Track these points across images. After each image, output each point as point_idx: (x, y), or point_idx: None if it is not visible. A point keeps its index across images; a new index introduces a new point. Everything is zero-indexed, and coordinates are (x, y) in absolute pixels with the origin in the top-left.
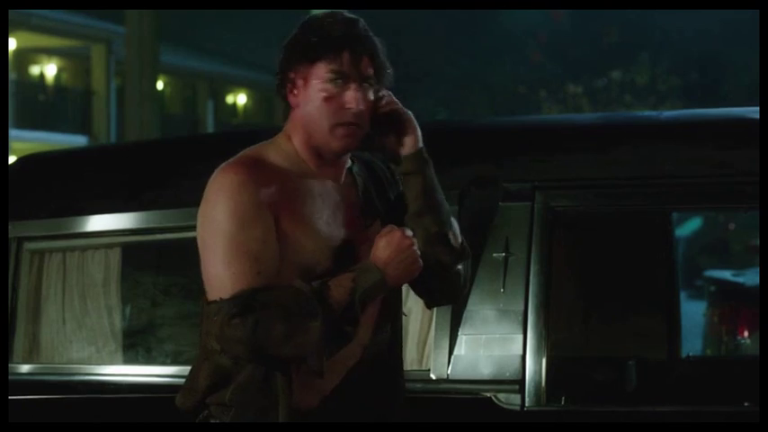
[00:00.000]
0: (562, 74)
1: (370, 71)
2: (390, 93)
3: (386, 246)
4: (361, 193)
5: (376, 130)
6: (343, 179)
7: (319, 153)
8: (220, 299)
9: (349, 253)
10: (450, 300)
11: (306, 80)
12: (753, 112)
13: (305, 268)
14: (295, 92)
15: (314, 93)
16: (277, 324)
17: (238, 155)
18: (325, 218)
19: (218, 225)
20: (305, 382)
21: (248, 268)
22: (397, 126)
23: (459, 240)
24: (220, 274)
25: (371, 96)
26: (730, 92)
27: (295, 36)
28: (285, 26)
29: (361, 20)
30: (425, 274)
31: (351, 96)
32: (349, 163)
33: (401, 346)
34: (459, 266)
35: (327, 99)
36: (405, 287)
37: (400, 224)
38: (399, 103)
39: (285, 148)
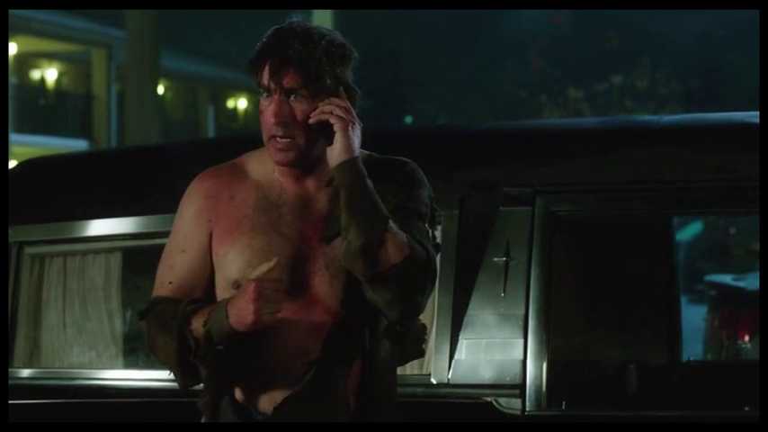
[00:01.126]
0: (563, 78)
1: (296, 81)
2: (339, 100)
3: (243, 300)
4: (329, 204)
5: (322, 138)
6: (322, 190)
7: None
8: None
9: (300, 265)
10: (393, 318)
11: None
12: (753, 116)
13: (234, 282)
14: None
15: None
16: (157, 336)
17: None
18: (280, 229)
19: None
20: (256, 389)
21: (164, 275)
22: (328, 136)
23: (403, 255)
24: (155, 276)
25: (306, 106)
26: (730, 96)
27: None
28: None
29: (299, 28)
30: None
31: (270, 109)
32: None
33: (374, 359)
34: (392, 285)
35: (261, 113)
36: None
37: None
38: (338, 112)
39: (266, 157)
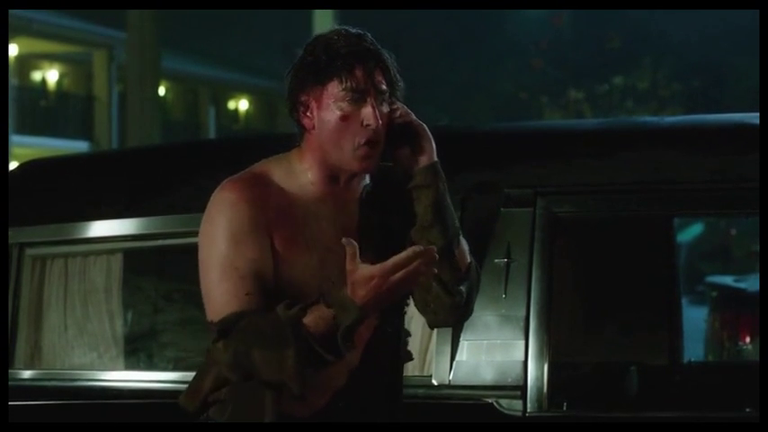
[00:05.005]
0: (564, 80)
1: (384, 84)
2: (404, 105)
3: (362, 288)
4: (364, 216)
5: (390, 142)
6: (356, 200)
7: (334, 175)
8: (211, 321)
9: (344, 282)
10: (449, 322)
11: (319, 101)
12: (753, 117)
13: (293, 293)
14: (309, 114)
15: (329, 114)
16: (254, 350)
17: (245, 170)
18: (326, 243)
19: (212, 243)
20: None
21: (237, 288)
22: (412, 139)
23: (467, 261)
24: (213, 293)
25: (386, 110)
26: (731, 98)
27: (303, 57)
28: (286, 32)
29: (368, 34)
30: (422, 292)
31: (368, 113)
32: (366, 181)
33: (401, 367)
34: (462, 288)
35: (344, 118)
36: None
37: (403, 241)
38: (413, 115)
39: (295, 168)
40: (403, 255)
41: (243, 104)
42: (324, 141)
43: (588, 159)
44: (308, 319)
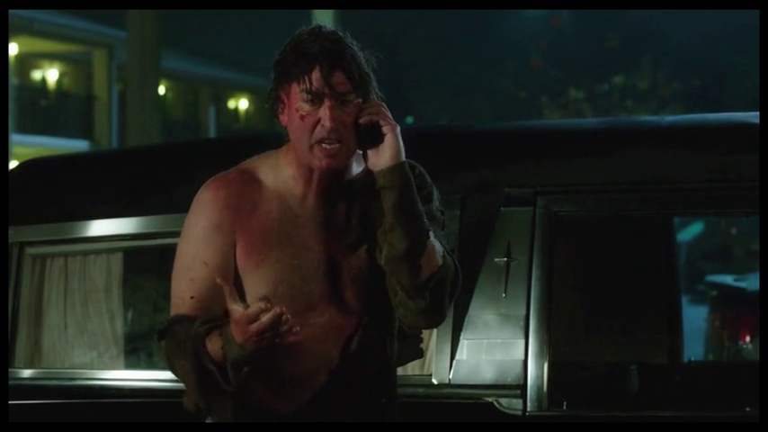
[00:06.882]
0: (564, 79)
1: (347, 85)
2: (382, 103)
3: (235, 329)
4: (345, 212)
5: (358, 140)
6: (338, 195)
7: (309, 171)
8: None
9: (325, 276)
10: (420, 325)
11: (288, 99)
12: (753, 117)
13: (267, 290)
14: (284, 111)
15: (293, 112)
16: (173, 358)
17: (235, 167)
18: (302, 240)
19: (181, 242)
20: (276, 391)
21: (184, 290)
22: (377, 138)
23: (438, 264)
24: (171, 291)
25: (352, 110)
26: (731, 98)
27: (279, 55)
28: (287, 31)
29: (340, 33)
30: (391, 296)
31: (324, 114)
32: (353, 175)
33: (390, 366)
34: (426, 293)
35: (303, 118)
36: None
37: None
38: (385, 115)
39: (280, 163)
40: (251, 310)
41: (243, 104)
42: (292, 139)
43: (588, 159)
44: (209, 343)
